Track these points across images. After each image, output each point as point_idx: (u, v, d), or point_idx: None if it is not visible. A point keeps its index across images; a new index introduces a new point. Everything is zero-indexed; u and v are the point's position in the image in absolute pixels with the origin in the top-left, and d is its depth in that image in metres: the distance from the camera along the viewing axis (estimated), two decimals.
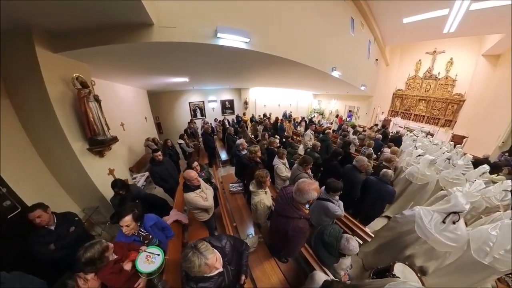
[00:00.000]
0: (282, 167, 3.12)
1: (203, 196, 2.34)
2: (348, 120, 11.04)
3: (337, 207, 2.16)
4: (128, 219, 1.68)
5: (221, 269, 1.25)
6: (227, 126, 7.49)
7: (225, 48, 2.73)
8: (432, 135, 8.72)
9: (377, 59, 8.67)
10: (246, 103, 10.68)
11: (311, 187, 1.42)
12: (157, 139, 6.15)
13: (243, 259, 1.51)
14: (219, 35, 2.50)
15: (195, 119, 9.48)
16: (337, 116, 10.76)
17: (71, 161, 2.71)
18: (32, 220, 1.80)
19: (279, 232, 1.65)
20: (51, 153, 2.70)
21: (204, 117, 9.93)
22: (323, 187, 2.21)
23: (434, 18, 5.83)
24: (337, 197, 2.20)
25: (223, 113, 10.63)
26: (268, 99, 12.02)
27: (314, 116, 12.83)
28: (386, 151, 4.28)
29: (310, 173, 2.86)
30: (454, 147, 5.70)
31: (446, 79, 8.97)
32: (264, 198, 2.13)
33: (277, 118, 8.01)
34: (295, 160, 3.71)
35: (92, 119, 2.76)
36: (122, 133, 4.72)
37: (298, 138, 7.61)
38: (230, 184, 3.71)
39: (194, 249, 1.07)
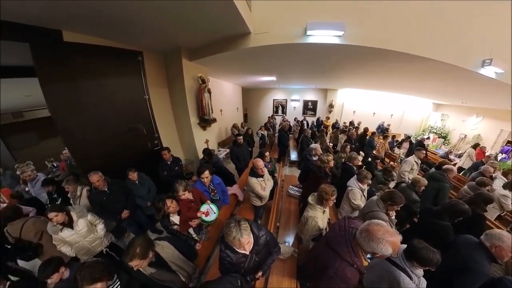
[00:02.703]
0: (358, 192, 2.50)
1: (262, 185, 2.56)
2: (502, 158, 6.18)
3: (414, 287, 1.38)
4: (207, 173, 2.46)
5: (247, 253, 1.33)
6: (305, 127, 7.34)
7: (314, 45, 2.68)
8: None
9: None
10: (331, 106, 9.81)
11: (388, 239, 1.02)
12: (243, 123, 7.57)
13: (269, 258, 1.55)
14: (308, 32, 2.48)
15: (275, 115, 10.36)
16: (475, 146, 6.15)
17: (187, 128, 4.31)
18: (162, 154, 3.25)
19: (317, 261, 1.39)
20: (179, 121, 4.41)
21: (284, 115, 10.57)
22: (404, 247, 1.47)
23: None
24: (421, 272, 1.41)
25: (304, 113, 10.58)
26: (360, 104, 10.14)
27: (427, 138, 8.47)
28: None
29: (393, 217, 2.08)
30: None
31: None
32: (319, 216, 1.87)
33: (366, 130, 6.45)
34: (377, 190, 2.87)
35: (204, 104, 4.20)
36: (219, 117, 6.40)
37: (391, 163, 5.79)
38: (290, 186, 3.68)
39: (237, 223, 1.21)
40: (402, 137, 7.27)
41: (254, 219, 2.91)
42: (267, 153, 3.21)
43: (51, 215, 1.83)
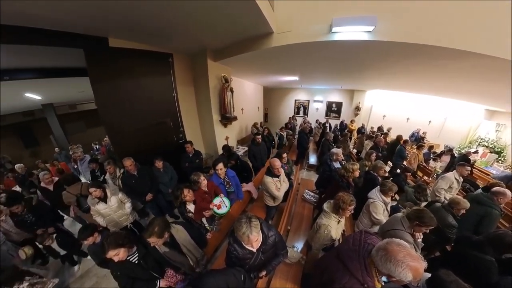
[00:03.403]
0: (380, 206, 2.27)
1: (277, 186, 2.54)
2: None
3: None
4: (221, 165, 2.62)
5: (254, 250, 1.35)
6: (328, 130, 7.00)
7: (340, 43, 2.54)
8: None
9: None
10: (357, 108, 9.17)
11: (409, 263, 0.91)
12: (263, 123, 7.67)
13: (274, 259, 1.56)
14: (334, 29, 2.36)
15: (296, 116, 10.15)
16: None
17: (209, 125, 4.58)
18: (185, 147, 3.51)
19: (324, 273, 1.31)
20: (203, 117, 4.72)
21: (305, 116, 10.26)
22: (428, 276, 1.32)
23: None
24: None
25: (327, 115, 10.10)
26: (392, 108, 9.15)
27: (475, 152, 6.94)
28: None
29: (420, 240, 1.83)
30: None
31: None
32: (333, 226, 1.77)
33: (399, 138, 5.52)
34: (404, 207, 2.56)
35: (226, 102, 4.41)
36: (240, 115, 6.58)
37: (425, 178, 4.99)
38: (306, 191, 3.58)
39: (248, 220, 1.23)
40: (442, 148, 6.27)
41: (266, 219, 2.93)
42: (285, 154, 3.20)
43: (91, 189, 2.19)
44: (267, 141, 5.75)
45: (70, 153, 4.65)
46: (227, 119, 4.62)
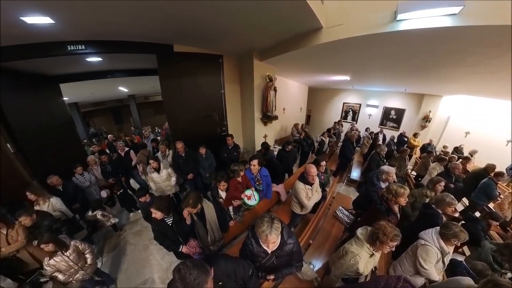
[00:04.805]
0: (434, 253, 1.71)
1: (308, 194, 2.42)
2: None
3: None
4: (255, 162, 2.80)
5: (268, 251, 1.35)
6: (380, 142, 5.86)
7: (408, 33, 2.04)
8: None
9: None
10: (426, 119, 7.27)
11: None
12: (304, 125, 7.54)
13: (286, 268, 1.53)
14: (400, 16, 1.91)
15: (343, 121, 9.21)
16: None
17: (250, 121, 4.84)
18: (226, 139, 3.88)
19: None
20: (245, 114, 5.01)
21: (354, 122, 9.09)
22: None
23: None
24: None
25: (381, 124, 8.58)
26: (481, 122, 6.59)
27: None
28: None
29: None
30: None
31: None
32: (364, 258, 1.50)
33: (490, 169, 3.85)
34: (475, 269, 1.98)
35: (269, 101, 4.56)
36: (281, 115, 6.55)
37: None
38: (340, 208, 3.19)
39: (271, 220, 1.23)
40: None
41: (289, 224, 2.86)
42: (323, 162, 2.96)
43: (151, 161, 2.88)
44: (305, 145, 5.53)
45: (143, 131, 6.13)
46: (268, 117, 4.73)
